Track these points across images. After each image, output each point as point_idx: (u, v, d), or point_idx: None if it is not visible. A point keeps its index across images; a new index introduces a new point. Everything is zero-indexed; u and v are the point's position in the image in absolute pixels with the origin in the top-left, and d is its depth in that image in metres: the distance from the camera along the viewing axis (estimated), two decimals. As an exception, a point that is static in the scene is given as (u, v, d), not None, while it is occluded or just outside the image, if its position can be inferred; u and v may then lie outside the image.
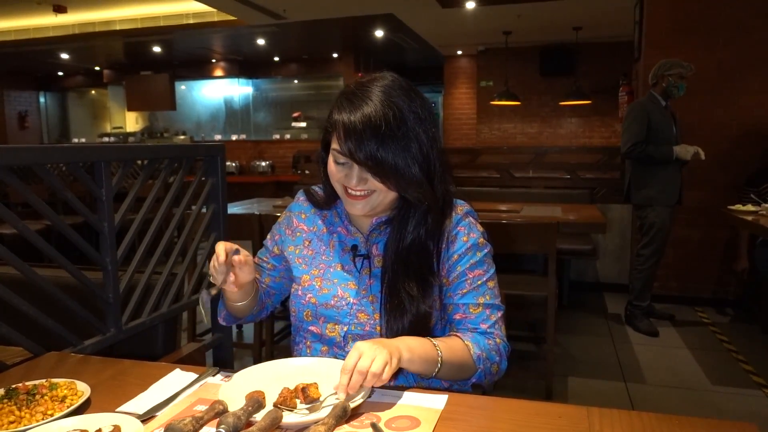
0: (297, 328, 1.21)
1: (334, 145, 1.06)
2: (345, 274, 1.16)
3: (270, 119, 10.80)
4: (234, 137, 10.24)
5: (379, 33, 7.82)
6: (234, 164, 9.41)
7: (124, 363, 1.16)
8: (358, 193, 1.08)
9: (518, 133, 8.79)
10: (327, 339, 1.14)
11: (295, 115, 10.21)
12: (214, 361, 1.95)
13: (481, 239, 1.15)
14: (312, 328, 1.16)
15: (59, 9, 6.90)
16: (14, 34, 8.24)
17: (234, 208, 3.74)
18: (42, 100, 12.03)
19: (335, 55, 9.71)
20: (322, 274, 1.18)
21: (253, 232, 3.01)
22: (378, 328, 1.11)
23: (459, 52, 9.18)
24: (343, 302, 1.14)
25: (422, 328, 1.09)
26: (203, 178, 1.85)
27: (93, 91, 12.05)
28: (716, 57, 4.04)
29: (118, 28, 7.76)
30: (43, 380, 0.99)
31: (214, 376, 1.06)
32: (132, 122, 11.50)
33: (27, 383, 0.98)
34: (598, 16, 6.54)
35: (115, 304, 1.43)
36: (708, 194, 4.11)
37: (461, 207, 1.16)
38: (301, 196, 1.28)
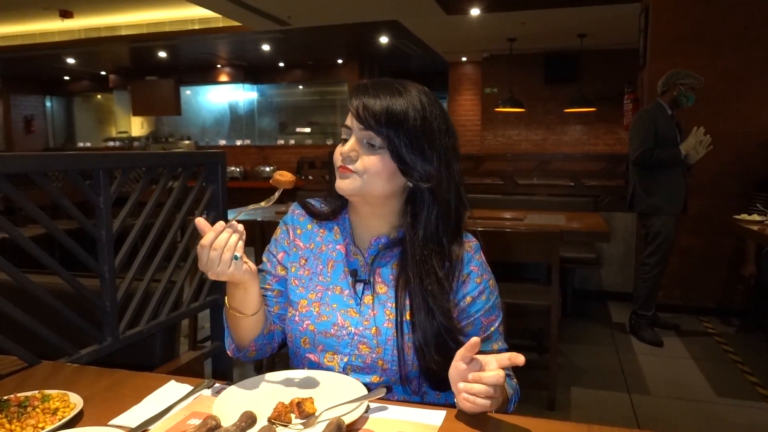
0: (294, 353, 1.13)
1: (345, 122, 1.05)
2: (345, 299, 1.08)
3: (274, 125, 10.82)
4: (238, 142, 10.26)
5: (383, 39, 7.84)
6: (238, 169, 9.42)
7: (119, 374, 1.15)
8: (349, 165, 1.02)
9: (522, 140, 8.78)
10: (325, 369, 1.08)
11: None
12: (213, 369, 1.93)
13: (492, 281, 1.11)
14: (310, 356, 1.09)
15: (65, 14, 6.95)
16: (21, 38, 8.28)
17: (234, 215, 3.73)
18: (48, 104, 12.09)
19: (340, 61, 9.73)
20: (320, 298, 1.10)
21: (254, 239, 3.01)
22: (380, 362, 1.04)
23: (463, 59, 9.20)
24: (344, 332, 1.06)
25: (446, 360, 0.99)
26: (204, 185, 1.84)
27: (99, 96, 12.10)
28: (722, 65, 4.02)
29: (123, 33, 7.80)
30: (36, 392, 0.98)
31: (209, 388, 1.05)
32: (137, 127, 11.54)
33: (19, 395, 0.96)
34: (603, 23, 6.53)
35: (112, 312, 1.42)
36: (713, 203, 4.08)
37: (469, 243, 1.10)
38: (296, 209, 1.19)
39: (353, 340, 1.06)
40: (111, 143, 11.30)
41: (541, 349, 3.45)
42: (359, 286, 1.09)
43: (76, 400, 0.96)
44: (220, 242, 0.91)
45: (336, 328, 1.07)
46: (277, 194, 1.00)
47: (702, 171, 3.82)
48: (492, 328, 1.09)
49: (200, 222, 0.93)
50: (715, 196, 4.08)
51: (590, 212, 4.12)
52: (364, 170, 1.02)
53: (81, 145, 11.81)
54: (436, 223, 1.05)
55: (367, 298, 1.08)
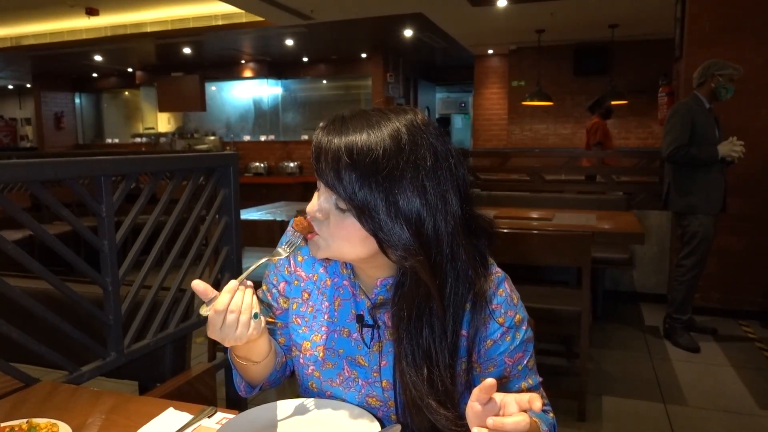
0: (304, 391, 1.02)
1: None
2: (352, 344, 0.95)
3: (299, 120, 10.79)
4: (263, 138, 10.26)
5: (408, 33, 7.70)
6: (262, 165, 9.42)
7: (119, 397, 1.08)
8: (316, 226, 0.85)
9: (551, 134, 8.56)
10: None
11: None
12: (226, 381, 1.86)
13: (518, 316, 0.92)
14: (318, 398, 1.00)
15: (91, 11, 6.98)
16: (49, 36, 8.39)
17: (257, 213, 3.67)
18: (77, 101, 12.27)
19: (364, 56, 9.63)
20: (325, 341, 0.96)
21: (273, 241, 2.94)
22: (393, 416, 0.93)
23: (490, 52, 9.00)
24: (351, 383, 0.95)
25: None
26: (216, 188, 1.76)
27: (126, 92, 12.23)
28: (764, 55, 3.80)
29: (149, 30, 7.83)
30: (23, 421, 0.91)
31: (209, 417, 0.97)
32: (164, 123, 11.63)
33: (4, 425, 0.90)
34: (636, 12, 6.29)
35: (116, 326, 1.35)
36: (754, 201, 3.87)
37: (491, 276, 0.91)
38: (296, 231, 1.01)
39: (360, 393, 0.95)
40: (138, 139, 11.42)
41: (571, 354, 3.32)
42: (367, 332, 0.95)
43: (65, 431, 0.89)
44: (237, 304, 0.80)
45: (342, 378, 0.96)
46: (298, 242, 0.88)
47: (743, 167, 3.62)
48: (519, 366, 0.93)
49: (198, 285, 0.81)
50: (757, 194, 3.87)
51: (622, 211, 3.96)
52: (330, 237, 0.84)
53: (109, 141, 11.98)
54: (427, 308, 0.85)
55: (376, 346, 0.94)
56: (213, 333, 0.81)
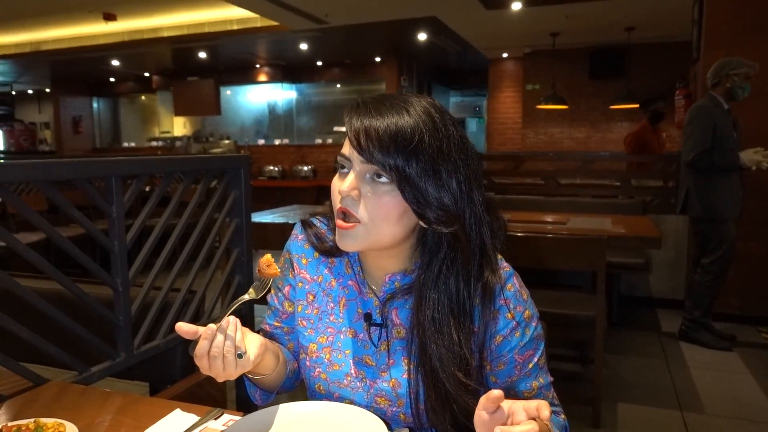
0: (311, 394, 1.01)
1: (342, 150, 0.87)
2: (359, 344, 0.95)
3: (313, 124, 10.83)
4: (277, 142, 10.30)
5: (422, 36, 7.70)
6: (277, 169, 9.46)
7: (127, 398, 1.07)
8: (350, 207, 0.84)
9: (565, 138, 8.49)
10: None
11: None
12: (237, 383, 1.85)
13: (528, 312, 0.92)
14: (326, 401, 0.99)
15: (109, 17, 7.08)
16: (68, 41, 8.52)
17: (270, 216, 3.68)
18: (95, 105, 12.42)
19: (378, 60, 9.64)
20: (331, 342, 0.97)
21: (284, 244, 2.94)
22: (402, 416, 0.93)
23: (504, 55, 8.97)
24: (358, 383, 0.94)
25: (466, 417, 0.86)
26: (227, 190, 1.76)
27: (143, 97, 12.36)
28: (784, 57, 3.73)
29: (165, 35, 7.91)
30: (30, 420, 0.91)
31: (216, 419, 0.96)
32: (180, 126, 11.74)
33: (11, 424, 0.90)
34: (653, 15, 6.23)
35: (126, 327, 1.35)
36: (774, 205, 3.80)
37: (500, 270, 0.92)
38: (300, 234, 1.03)
39: (369, 393, 0.94)
40: (154, 143, 11.54)
41: (585, 360, 3.27)
42: (374, 331, 0.95)
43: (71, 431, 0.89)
44: (218, 347, 0.80)
45: (350, 378, 0.95)
46: (269, 284, 0.91)
47: (761, 171, 3.55)
48: (530, 364, 0.93)
49: (181, 327, 0.80)
50: (776, 198, 3.80)
51: (638, 215, 3.91)
52: (368, 216, 0.84)
53: (126, 145, 12.10)
54: (454, 268, 0.87)
55: (384, 345, 0.94)
56: (204, 371, 0.83)
